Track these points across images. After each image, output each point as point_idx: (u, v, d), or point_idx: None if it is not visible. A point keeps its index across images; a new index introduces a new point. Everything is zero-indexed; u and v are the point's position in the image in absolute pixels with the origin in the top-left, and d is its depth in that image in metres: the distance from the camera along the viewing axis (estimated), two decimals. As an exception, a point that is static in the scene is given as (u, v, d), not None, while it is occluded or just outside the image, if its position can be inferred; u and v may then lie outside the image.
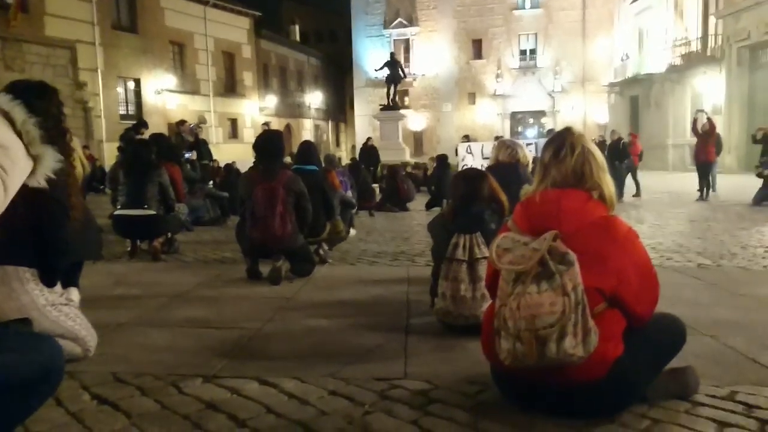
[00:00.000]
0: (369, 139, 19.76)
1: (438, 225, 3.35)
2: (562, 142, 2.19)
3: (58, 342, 1.81)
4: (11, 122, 1.74)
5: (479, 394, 2.29)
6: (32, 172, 1.77)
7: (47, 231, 2.50)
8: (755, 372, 2.48)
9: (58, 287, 2.68)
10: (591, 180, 2.13)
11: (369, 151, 17.89)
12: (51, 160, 1.82)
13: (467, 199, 3.23)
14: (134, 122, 11.49)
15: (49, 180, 2.05)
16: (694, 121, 13.35)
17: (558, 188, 2.12)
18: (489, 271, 2.25)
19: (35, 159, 1.77)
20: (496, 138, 16.87)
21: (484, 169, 4.16)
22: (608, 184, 2.16)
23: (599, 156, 2.18)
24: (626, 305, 2.04)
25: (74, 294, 3.14)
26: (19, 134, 1.73)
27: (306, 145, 5.84)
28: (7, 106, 1.77)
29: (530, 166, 4.29)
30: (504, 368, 2.08)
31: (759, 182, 11.01)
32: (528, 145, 8.54)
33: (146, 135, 8.89)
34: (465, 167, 14.38)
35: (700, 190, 12.26)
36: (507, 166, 4.06)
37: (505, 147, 4.23)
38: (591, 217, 2.06)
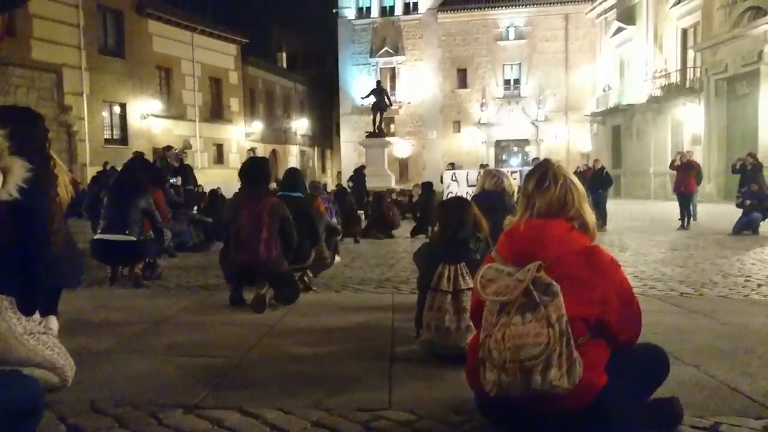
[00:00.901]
0: (363, 166, 19.88)
1: (423, 254, 3.36)
2: (545, 172, 2.22)
3: (36, 380, 1.77)
4: None
5: (464, 424, 2.27)
6: (3, 185, 1.74)
7: (25, 257, 2.47)
8: (738, 402, 2.49)
9: (36, 315, 2.63)
10: (573, 209, 2.16)
11: (361, 177, 18.03)
12: (21, 170, 1.78)
13: (452, 228, 3.24)
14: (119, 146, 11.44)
15: (30, 204, 2.02)
16: (673, 162, 13.56)
17: (542, 218, 2.14)
18: (474, 301, 2.26)
19: (3, 171, 1.73)
20: (482, 166, 17.05)
21: (469, 196, 4.18)
22: (589, 213, 2.19)
23: (580, 186, 2.22)
24: (610, 334, 2.05)
25: (52, 322, 3.09)
26: None
27: (292, 171, 5.85)
28: None
29: (515, 195, 4.33)
30: (489, 398, 2.07)
31: (739, 211, 11.19)
32: (513, 173, 8.65)
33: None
34: (450, 195, 14.51)
35: (681, 218, 12.43)
36: (493, 194, 4.10)
37: (491, 176, 4.27)
38: (574, 245, 2.09)
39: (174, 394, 2.61)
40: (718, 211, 14.57)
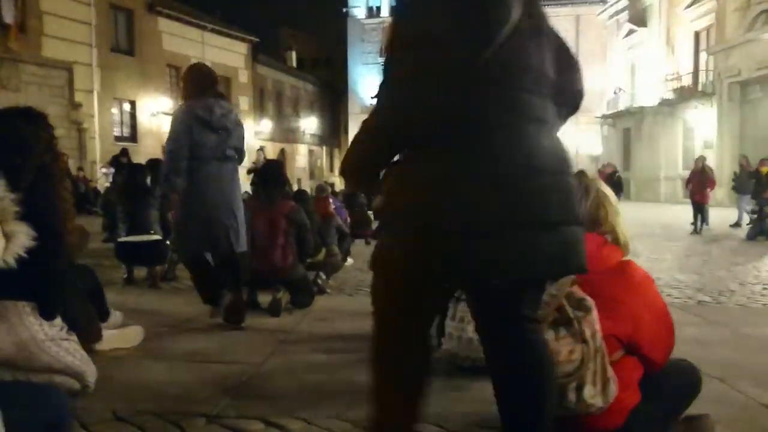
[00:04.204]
0: None
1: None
2: (576, 185, 2.18)
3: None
4: None
5: (492, 439, 2.23)
6: (4, 251, 1.71)
7: (43, 262, 2.45)
8: (767, 418, 2.44)
9: (58, 320, 2.61)
10: (606, 224, 2.12)
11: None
12: (24, 237, 1.76)
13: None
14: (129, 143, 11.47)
15: (41, 206, 1.98)
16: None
17: (573, 232, 2.10)
18: (502, 314, 2.22)
19: (8, 236, 1.71)
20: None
21: None
22: (623, 228, 2.15)
23: (614, 199, 2.18)
24: (642, 352, 2.01)
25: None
26: None
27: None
28: None
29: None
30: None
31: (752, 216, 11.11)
32: None
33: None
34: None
35: (694, 223, 12.35)
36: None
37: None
38: (607, 261, 2.05)
39: (195, 403, 2.59)
40: (730, 215, 14.45)
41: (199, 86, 4.04)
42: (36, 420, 1.53)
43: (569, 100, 1.89)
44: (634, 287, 2.02)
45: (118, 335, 3.51)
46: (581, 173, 2.24)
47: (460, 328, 3.04)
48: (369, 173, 1.76)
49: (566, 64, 1.82)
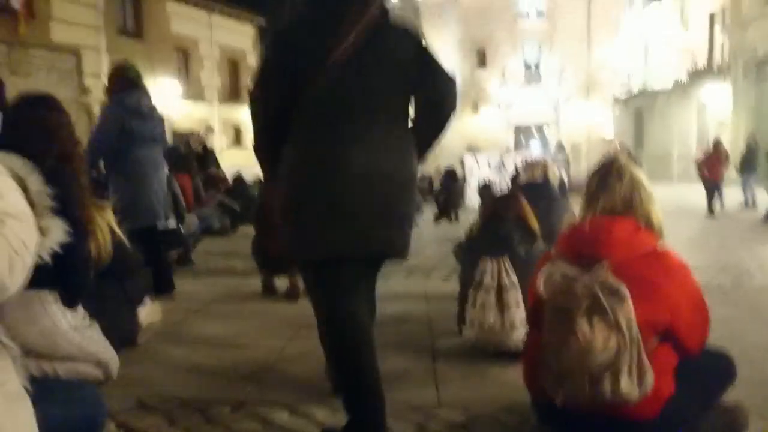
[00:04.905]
0: None
1: (465, 250, 3.28)
2: (609, 168, 2.12)
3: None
4: (24, 190, 1.63)
5: (520, 426, 2.21)
6: (40, 246, 1.68)
7: (64, 249, 2.42)
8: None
9: (80, 308, 2.60)
10: (640, 209, 2.06)
11: None
12: (60, 233, 1.73)
13: (495, 220, 3.15)
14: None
15: (63, 195, 1.95)
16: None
17: (607, 216, 2.05)
18: (533, 301, 2.17)
19: (43, 231, 1.68)
20: (509, 150, 16.78)
21: (492, 180, 4.03)
22: (657, 213, 2.09)
23: (648, 185, 2.11)
24: (679, 340, 1.96)
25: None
26: (31, 203, 1.63)
27: None
28: (23, 172, 1.67)
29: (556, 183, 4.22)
30: (549, 403, 2.00)
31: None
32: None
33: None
34: (474, 179, 14.29)
35: (709, 203, 12.21)
36: (534, 185, 4.00)
37: (536, 166, 4.17)
38: (642, 247, 1.99)
39: (219, 390, 2.58)
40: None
41: (123, 83, 4.60)
42: (72, 418, 1.50)
43: (427, 96, 2.14)
44: (672, 273, 1.96)
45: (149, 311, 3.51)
46: (615, 156, 2.18)
47: (481, 314, 3.01)
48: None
49: (422, 69, 2.11)
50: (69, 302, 2.52)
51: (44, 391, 1.47)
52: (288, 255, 2.15)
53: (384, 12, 2.03)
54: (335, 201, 1.94)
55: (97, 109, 21.44)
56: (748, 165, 13.54)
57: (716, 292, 4.79)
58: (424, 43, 2.12)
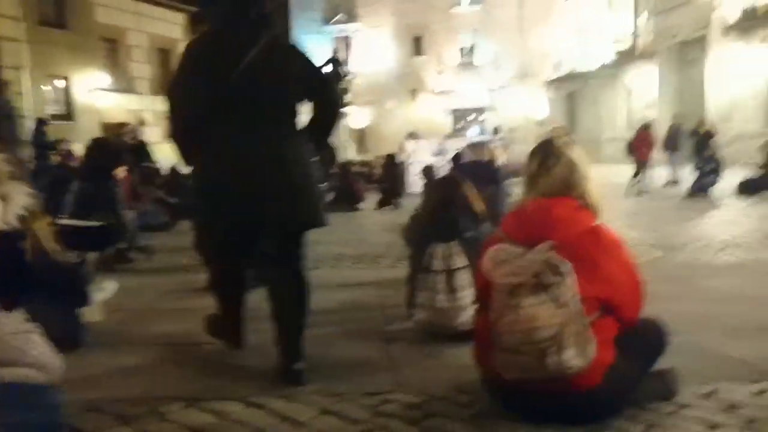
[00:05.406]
0: None
1: (413, 231, 3.33)
2: (547, 150, 2.21)
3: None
4: None
5: (473, 404, 2.28)
6: (2, 214, 1.62)
7: (3, 251, 2.33)
8: (732, 367, 2.58)
9: (22, 312, 2.50)
10: (579, 188, 2.16)
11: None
12: (21, 196, 1.67)
13: (443, 206, 3.22)
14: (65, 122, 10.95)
15: None
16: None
17: (547, 197, 2.14)
18: (481, 282, 2.24)
19: (3, 197, 1.61)
20: (447, 136, 16.97)
21: (435, 165, 4.12)
22: (595, 192, 2.19)
23: (585, 165, 2.21)
24: (618, 311, 2.08)
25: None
26: None
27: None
28: None
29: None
30: (498, 379, 2.09)
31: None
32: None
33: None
34: (414, 163, 14.36)
35: (637, 183, 12.80)
36: (479, 163, 4.09)
37: (481, 147, 4.27)
38: (582, 225, 2.09)
39: (172, 388, 2.54)
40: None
41: None
42: (30, 422, 1.46)
43: (319, 98, 2.73)
44: (609, 249, 2.08)
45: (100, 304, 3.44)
46: (552, 138, 2.26)
47: (431, 297, 3.07)
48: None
49: (311, 79, 2.74)
50: (8, 306, 2.43)
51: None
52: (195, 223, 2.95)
53: (275, 37, 2.67)
54: (228, 181, 2.54)
55: (17, 104, 20.41)
56: (672, 145, 14.30)
57: (651, 265, 5.05)
58: (309, 58, 2.74)
